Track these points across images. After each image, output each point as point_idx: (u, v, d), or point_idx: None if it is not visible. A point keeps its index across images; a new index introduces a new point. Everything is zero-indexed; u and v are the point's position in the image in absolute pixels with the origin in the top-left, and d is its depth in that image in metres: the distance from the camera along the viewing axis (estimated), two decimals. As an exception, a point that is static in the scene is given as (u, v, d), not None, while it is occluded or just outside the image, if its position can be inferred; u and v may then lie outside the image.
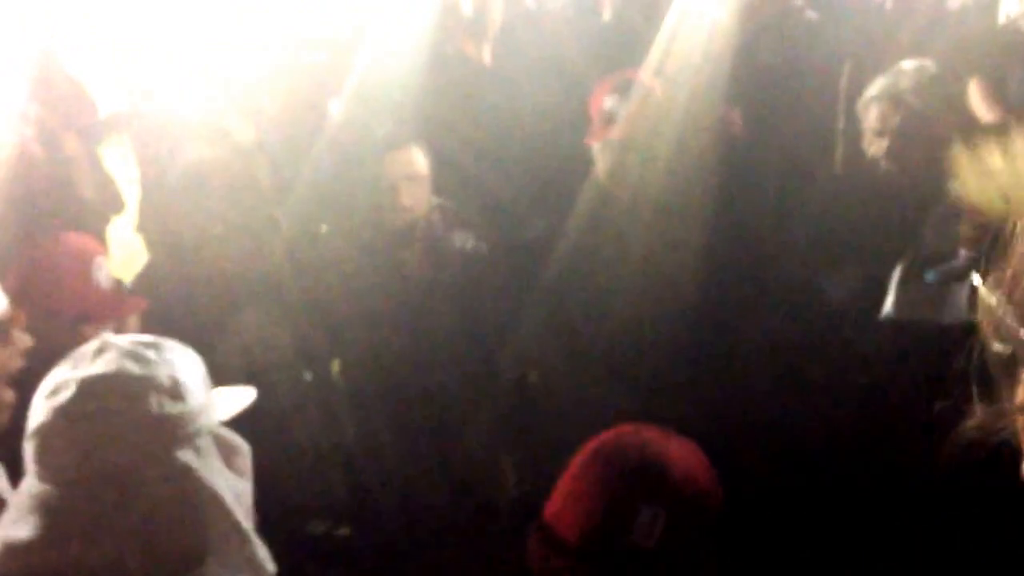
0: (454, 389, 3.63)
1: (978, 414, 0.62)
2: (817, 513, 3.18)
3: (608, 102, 3.77)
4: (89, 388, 1.43)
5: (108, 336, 1.54)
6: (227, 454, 1.53)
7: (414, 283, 3.64)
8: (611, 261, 3.64)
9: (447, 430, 3.64)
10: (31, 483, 1.43)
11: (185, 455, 1.44)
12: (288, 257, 3.51)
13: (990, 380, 0.63)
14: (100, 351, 1.50)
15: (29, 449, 1.45)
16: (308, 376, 3.51)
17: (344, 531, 3.80)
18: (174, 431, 1.45)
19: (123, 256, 4.56)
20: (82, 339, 2.61)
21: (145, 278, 3.40)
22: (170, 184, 3.81)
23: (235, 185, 3.42)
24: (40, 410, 1.45)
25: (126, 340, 1.53)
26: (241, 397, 1.65)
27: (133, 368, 1.46)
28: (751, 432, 3.50)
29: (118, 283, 2.87)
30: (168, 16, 4.84)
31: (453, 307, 3.61)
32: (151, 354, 1.50)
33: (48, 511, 1.40)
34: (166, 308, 2.91)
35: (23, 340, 2.13)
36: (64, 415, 1.42)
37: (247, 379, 1.82)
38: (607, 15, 4.88)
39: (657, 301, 3.58)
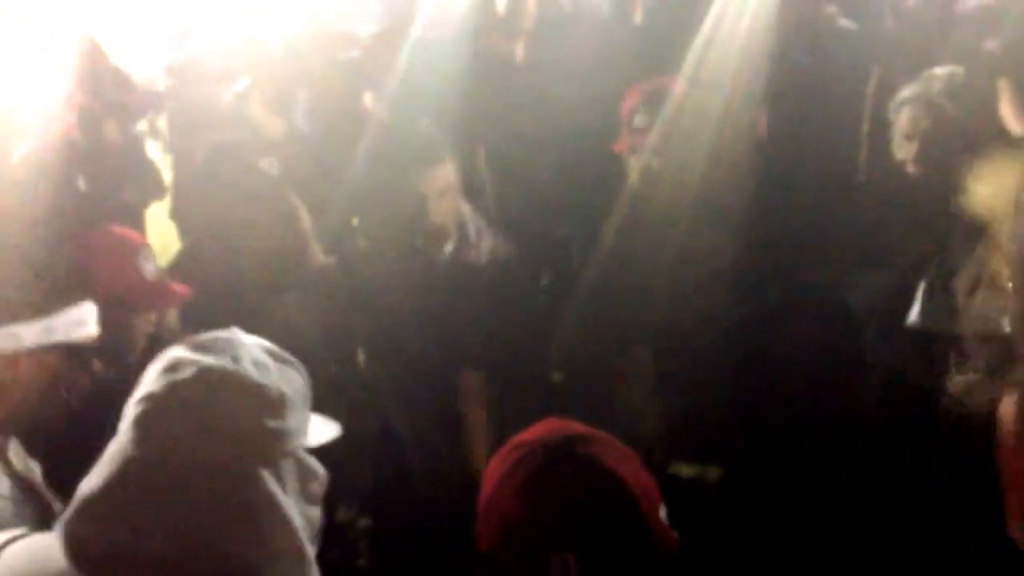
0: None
1: (959, 383, 0.67)
2: (836, 510, 3.21)
3: (638, 109, 3.81)
4: (206, 376, 1.46)
5: (238, 332, 1.57)
6: (305, 479, 1.54)
7: (442, 279, 3.67)
8: (642, 263, 3.67)
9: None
10: (122, 444, 1.46)
11: (267, 473, 1.46)
12: (313, 248, 3.54)
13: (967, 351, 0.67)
14: (227, 345, 1.52)
15: (131, 413, 1.47)
16: (334, 367, 3.54)
17: (366, 521, 3.84)
18: (266, 446, 1.47)
19: (160, 242, 4.63)
20: (132, 328, 2.71)
21: (178, 265, 3.46)
22: (196, 170, 3.89)
23: (250, 174, 3.47)
24: (153, 380, 1.48)
25: (253, 341, 1.56)
26: (330, 429, 1.67)
27: (251, 372, 1.49)
28: (777, 431, 3.53)
29: (163, 275, 2.93)
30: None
31: (479, 305, 3.64)
32: (270, 363, 1.53)
33: (127, 474, 1.42)
34: (198, 295, 2.97)
35: (96, 365, 2.22)
36: (176, 392, 1.45)
37: None
38: (638, 18, 4.91)
39: (687, 302, 3.61)
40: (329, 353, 3.51)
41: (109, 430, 1.52)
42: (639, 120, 3.78)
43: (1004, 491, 0.55)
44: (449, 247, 3.68)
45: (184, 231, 4.45)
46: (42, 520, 1.92)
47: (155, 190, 4.47)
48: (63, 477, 1.71)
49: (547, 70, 4.60)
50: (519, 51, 4.64)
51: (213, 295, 3.15)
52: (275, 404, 1.49)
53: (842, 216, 3.88)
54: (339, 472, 3.50)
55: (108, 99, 4.28)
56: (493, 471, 1.68)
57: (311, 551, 1.51)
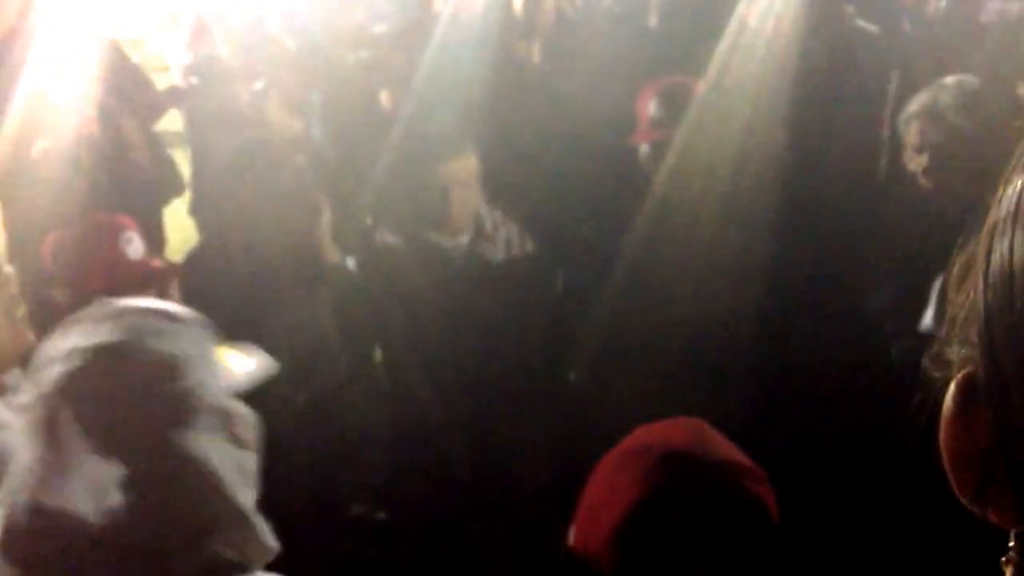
0: (494, 382, 3.66)
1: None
2: (855, 513, 3.20)
3: (655, 104, 3.80)
4: (93, 358, 1.43)
5: (119, 301, 1.54)
6: (229, 425, 1.51)
7: (459, 277, 3.67)
8: (663, 264, 3.66)
9: (485, 421, 3.67)
10: (34, 450, 1.42)
11: (184, 435, 1.43)
12: (334, 244, 3.56)
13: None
14: (106, 319, 1.48)
15: (31, 416, 1.43)
16: (350, 362, 3.54)
17: (381, 515, 3.84)
18: (174, 410, 1.44)
19: (180, 239, 4.65)
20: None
21: (195, 259, 3.48)
22: (215, 168, 3.91)
23: (278, 170, 3.48)
24: (48, 375, 1.44)
25: (135, 308, 1.52)
26: (253, 366, 1.63)
27: (134, 341, 1.45)
28: (796, 436, 3.52)
29: (149, 256, 2.95)
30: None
31: (496, 302, 3.64)
32: (155, 326, 1.49)
33: (39, 481, 1.39)
34: (213, 290, 2.98)
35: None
36: (69, 384, 1.41)
37: (290, 363, 1.80)
38: (652, 19, 4.91)
39: (705, 303, 3.61)
40: (345, 348, 3.52)
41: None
42: (655, 114, 3.78)
43: (947, 471, 0.59)
44: (465, 240, 3.69)
45: (203, 227, 4.47)
46: None
47: (173, 186, 4.49)
48: None
49: (563, 70, 4.61)
50: (535, 51, 4.66)
51: (228, 290, 3.17)
52: (168, 367, 1.45)
53: (862, 219, 3.87)
54: (353, 466, 3.51)
55: (127, 96, 4.31)
56: (616, 471, 1.55)
57: (249, 499, 1.49)
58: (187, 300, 3.03)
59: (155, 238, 4.02)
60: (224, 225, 3.58)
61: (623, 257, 3.73)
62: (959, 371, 0.63)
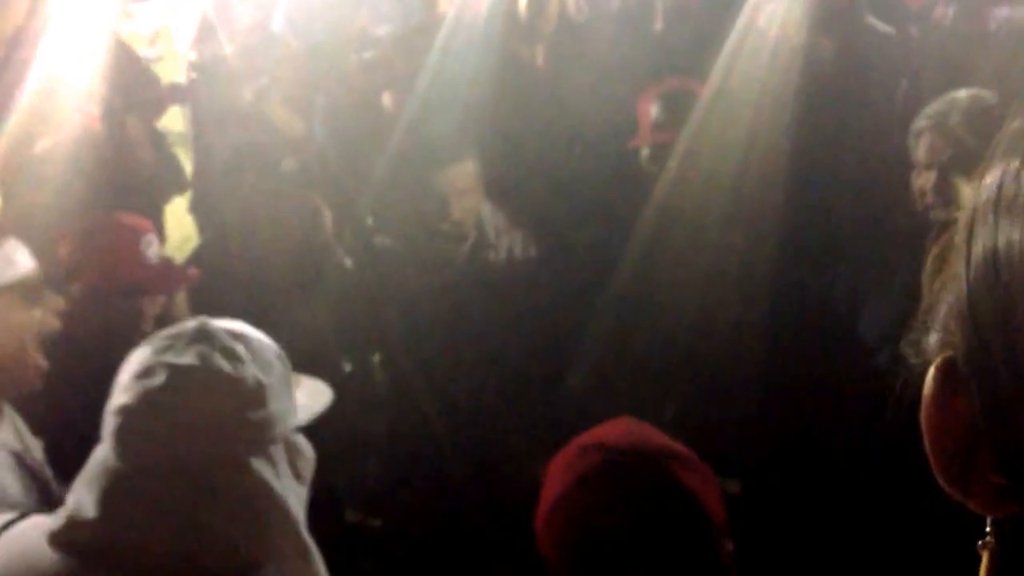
0: (492, 387, 3.66)
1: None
2: (855, 524, 3.20)
3: (656, 107, 3.80)
4: (178, 379, 1.44)
5: (206, 320, 1.53)
6: (293, 458, 1.53)
7: (460, 281, 3.67)
8: (661, 269, 3.66)
9: (483, 427, 3.68)
10: (106, 455, 1.45)
11: (258, 462, 1.45)
12: (334, 247, 3.56)
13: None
14: (195, 339, 1.48)
15: (109, 424, 1.45)
16: (348, 367, 3.55)
17: (376, 522, 3.84)
18: (251, 437, 1.46)
19: (179, 236, 4.66)
20: (139, 312, 2.73)
21: (195, 259, 3.49)
22: (217, 169, 3.92)
23: (279, 171, 3.49)
24: (127, 389, 1.46)
25: (222, 330, 1.51)
26: (318, 400, 1.65)
27: (223, 365, 1.46)
28: (796, 444, 3.51)
29: (168, 259, 2.96)
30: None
31: (497, 308, 3.64)
32: (242, 351, 1.49)
33: (115, 490, 1.42)
34: (212, 291, 2.99)
35: (56, 301, 2.15)
36: (150, 401, 1.43)
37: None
38: (659, 24, 4.91)
39: (706, 309, 3.60)
40: (344, 352, 3.52)
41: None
42: (656, 117, 3.78)
43: (928, 454, 0.62)
44: (466, 245, 3.69)
45: (204, 226, 4.48)
46: (42, 497, 1.92)
47: (176, 184, 4.50)
48: (67, 457, 1.69)
49: (567, 74, 4.61)
50: (539, 55, 4.66)
51: (230, 290, 3.18)
52: (253, 395, 1.47)
53: (868, 226, 3.86)
54: (348, 473, 3.51)
55: (130, 93, 4.31)
56: (560, 473, 1.60)
57: (310, 539, 1.50)
58: (188, 298, 3.05)
59: (157, 235, 4.03)
60: (224, 224, 3.59)
61: (624, 263, 3.73)
62: (937, 357, 0.65)
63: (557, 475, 1.60)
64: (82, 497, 1.43)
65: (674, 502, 1.53)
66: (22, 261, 2.06)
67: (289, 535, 1.47)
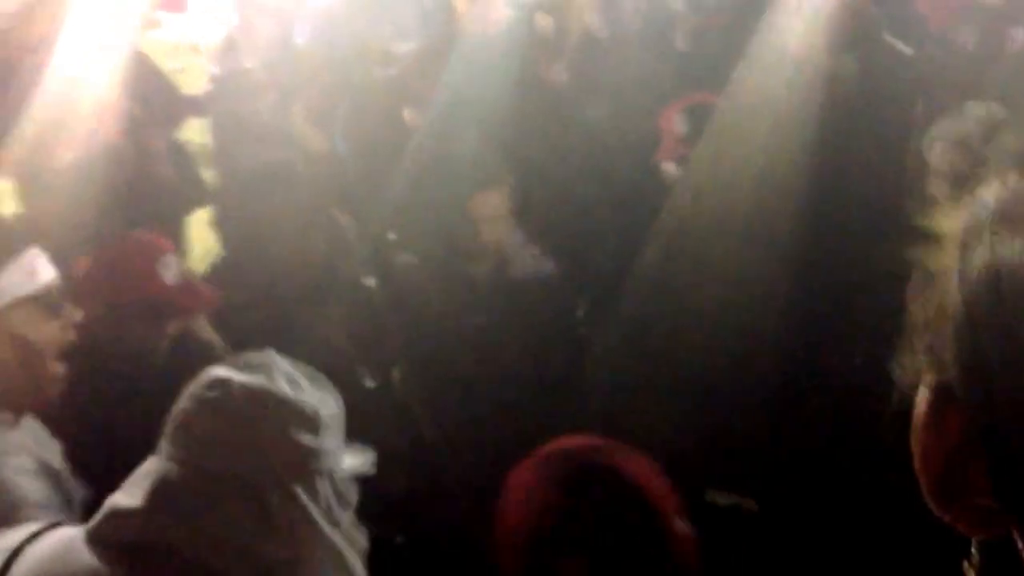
0: (514, 404, 3.66)
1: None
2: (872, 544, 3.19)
3: (679, 122, 3.81)
4: (241, 393, 1.50)
5: (272, 355, 1.59)
6: (337, 499, 1.57)
7: (482, 297, 3.68)
8: (680, 285, 3.66)
9: (505, 443, 3.67)
10: (159, 458, 1.50)
11: (304, 489, 1.49)
12: (356, 262, 3.58)
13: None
14: (262, 365, 1.55)
15: (168, 427, 1.51)
16: (369, 382, 3.56)
17: (400, 538, 3.84)
18: (302, 462, 1.50)
19: (201, 249, 4.67)
20: (155, 330, 2.75)
21: (216, 272, 3.50)
22: (239, 183, 3.92)
23: (301, 189, 3.50)
24: (192, 397, 1.52)
25: (286, 363, 1.59)
26: (364, 463, 1.70)
27: (286, 389, 1.52)
28: (812, 458, 3.50)
29: (189, 278, 2.97)
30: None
31: (519, 324, 3.65)
32: (304, 382, 1.56)
33: (163, 485, 1.46)
34: (234, 305, 3.01)
35: (74, 313, 2.17)
36: (209, 410, 1.49)
37: None
38: (681, 43, 4.92)
39: (725, 324, 3.60)
40: (363, 367, 3.53)
41: (131, 426, 1.54)
42: (679, 131, 3.79)
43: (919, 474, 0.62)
44: (489, 262, 3.69)
45: (225, 239, 4.49)
46: (65, 501, 1.94)
47: (197, 197, 4.52)
48: (86, 462, 1.75)
49: (587, 90, 4.62)
50: (560, 72, 4.67)
51: (250, 305, 3.19)
52: (310, 421, 1.51)
53: (885, 242, 3.85)
54: (371, 488, 3.50)
55: (151, 105, 4.34)
56: (515, 479, 1.76)
57: (356, 562, 1.55)
58: (210, 313, 3.05)
59: (177, 249, 4.04)
60: (246, 239, 3.60)
61: (644, 279, 3.73)
62: (922, 375, 0.65)
63: (510, 484, 1.81)
64: (127, 492, 1.48)
65: (613, 488, 1.67)
66: (43, 272, 2.08)
67: (326, 551, 1.51)
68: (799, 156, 3.99)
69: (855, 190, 4.15)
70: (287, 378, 1.54)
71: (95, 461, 1.58)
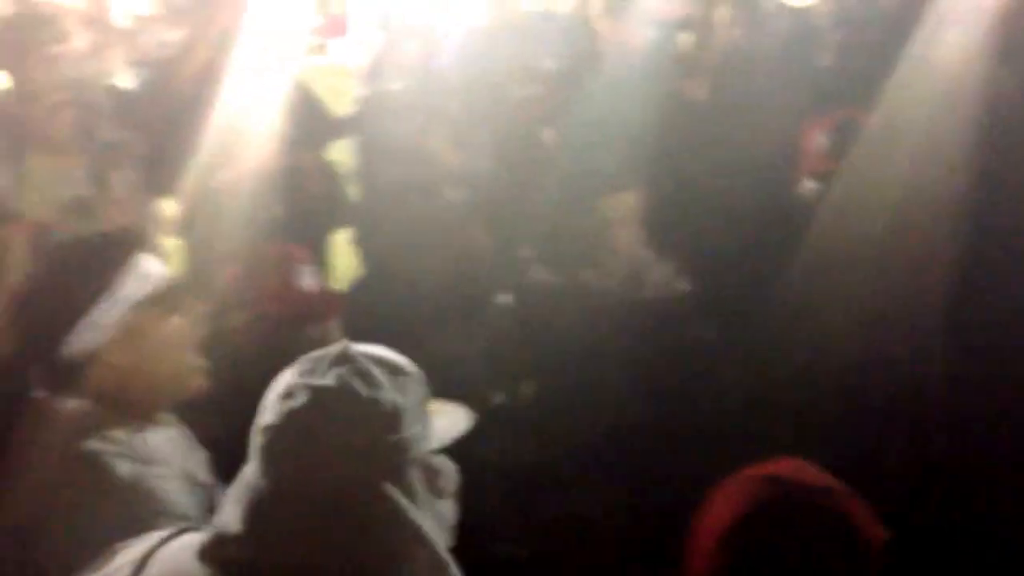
0: (645, 420, 3.68)
1: None
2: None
3: (822, 139, 3.77)
4: (319, 400, 1.49)
5: (348, 344, 1.57)
6: (431, 478, 1.56)
7: (615, 313, 3.71)
8: (818, 308, 3.62)
9: (634, 459, 3.69)
10: (252, 474, 1.51)
11: (393, 486, 1.48)
12: (491, 279, 3.64)
13: None
14: (336, 362, 1.53)
15: (255, 442, 1.52)
16: (498, 397, 3.61)
17: (522, 553, 3.89)
18: (387, 460, 1.49)
19: (344, 266, 4.83)
20: (301, 338, 2.88)
21: (356, 289, 3.62)
22: (381, 202, 4.05)
23: (441, 208, 3.60)
24: (272, 409, 1.52)
25: (362, 354, 1.55)
26: (456, 424, 1.68)
27: (361, 388, 1.50)
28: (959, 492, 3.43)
29: (323, 288, 3.12)
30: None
31: (652, 340, 3.65)
32: (380, 374, 1.53)
33: (259, 506, 1.47)
34: (372, 321, 3.12)
35: (198, 305, 2.24)
36: (291, 421, 1.49)
37: (440, 395, 1.85)
38: (824, 59, 4.87)
39: (864, 350, 3.55)
40: (493, 382, 3.58)
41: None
42: (821, 148, 3.76)
43: None
44: (618, 280, 3.72)
45: (366, 256, 4.64)
46: (208, 511, 2.00)
47: (342, 215, 4.68)
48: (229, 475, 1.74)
49: (729, 107, 4.61)
50: (701, 88, 4.68)
51: (388, 320, 3.30)
52: (389, 418, 1.50)
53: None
54: (498, 503, 3.57)
55: (304, 127, 4.50)
56: (730, 503, 1.67)
57: (448, 556, 1.53)
58: (348, 328, 3.19)
59: (323, 265, 4.20)
60: (386, 256, 3.72)
61: (779, 302, 3.71)
62: None
63: (726, 504, 1.68)
64: (229, 512, 1.50)
65: (841, 536, 1.61)
66: (155, 272, 2.15)
67: (423, 560, 1.50)
68: (951, 177, 3.89)
69: (1016, 214, 4.02)
70: (361, 375, 1.52)
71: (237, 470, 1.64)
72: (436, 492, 1.57)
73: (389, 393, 1.52)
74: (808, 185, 3.94)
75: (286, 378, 1.56)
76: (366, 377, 1.52)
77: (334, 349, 1.56)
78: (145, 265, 2.14)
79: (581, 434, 3.66)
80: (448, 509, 1.60)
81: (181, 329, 2.17)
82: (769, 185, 4.27)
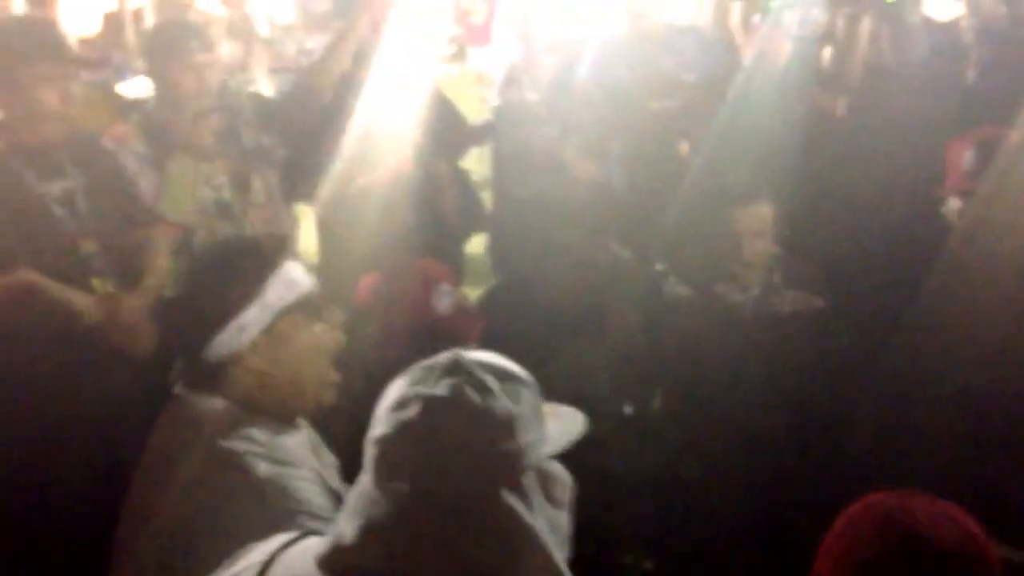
0: (774, 435, 3.63)
1: None
2: None
3: (969, 156, 3.67)
4: (429, 410, 1.48)
5: (459, 352, 1.56)
6: (547, 485, 1.54)
7: (746, 328, 3.67)
8: (956, 327, 3.52)
9: (762, 473, 3.65)
10: (366, 484, 1.51)
11: (509, 494, 1.47)
12: (625, 291, 3.63)
13: None
14: (448, 371, 1.52)
15: (369, 453, 1.51)
16: (628, 409, 3.60)
17: (649, 564, 3.87)
18: (502, 468, 1.48)
19: (472, 272, 4.86)
20: (429, 355, 2.90)
21: (489, 299, 3.64)
22: (516, 212, 4.06)
23: (575, 220, 3.59)
24: (383, 420, 1.51)
25: (474, 362, 1.54)
26: (571, 428, 1.63)
27: (474, 397, 1.48)
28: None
29: (463, 306, 3.12)
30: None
31: (782, 356, 3.61)
32: (493, 382, 1.51)
33: (374, 518, 1.47)
34: (503, 331, 3.13)
35: (336, 315, 2.25)
36: (406, 432, 1.48)
37: (571, 405, 1.83)
38: (971, 76, 4.73)
39: (1003, 375, 3.44)
40: (624, 394, 3.57)
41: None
42: (968, 166, 3.66)
43: None
44: (753, 294, 3.68)
45: (499, 267, 4.66)
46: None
47: (476, 223, 4.71)
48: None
49: (869, 123, 4.52)
50: (841, 104, 4.60)
51: (521, 332, 3.31)
52: (503, 427, 1.48)
53: None
54: (625, 513, 3.55)
55: (439, 135, 4.55)
56: (853, 529, 1.67)
57: (562, 557, 1.51)
58: (481, 337, 3.21)
59: (455, 274, 4.23)
60: (520, 267, 3.73)
61: (917, 322, 3.61)
62: None
63: (861, 536, 1.67)
64: (345, 522, 1.51)
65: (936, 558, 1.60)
66: (301, 280, 2.18)
67: (541, 567, 1.48)
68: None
69: None
70: (474, 383, 1.50)
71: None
72: (552, 500, 1.54)
73: (502, 401, 1.50)
74: (953, 204, 3.82)
75: (397, 388, 1.55)
76: (479, 386, 1.50)
77: (445, 358, 1.55)
78: (292, 272, 2.18)
79: (710, 447, 3.63)
80: (564, 518, 1.57)
81: (323, 337, 2.21)
82: (910, 202, 4.17)
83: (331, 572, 1.50)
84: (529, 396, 1.55)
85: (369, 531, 1.47)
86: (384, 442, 1.49)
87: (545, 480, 1.54)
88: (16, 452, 3.13)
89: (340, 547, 1.49)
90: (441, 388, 1.50)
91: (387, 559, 1.46)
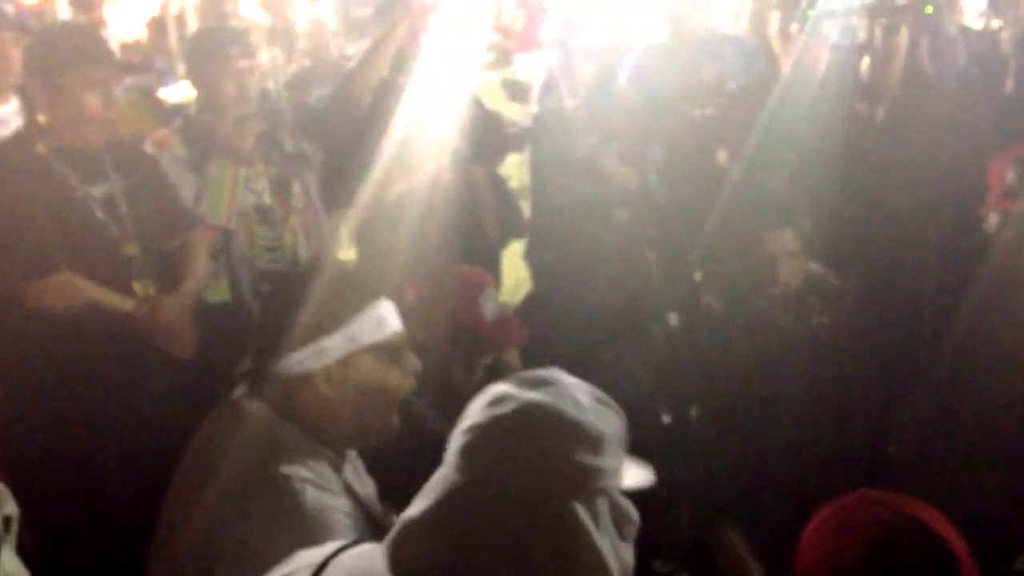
0: (809, 451, 3.62)
1: None
2: None
3: (1012, 173, 3.65)
4: (527, 410, 1.53)
5: (560, 373, 1.62)
6: (620, 522, 1.56)
7: (783, 344, 3.65)
8: (997, 344, 3.49)
9: (798, 489, 3.63)
10: (447, 470, 1.55)
11: (581, 507, 1.50)
12: (661, 301, 3.62)
13: None
14: (545, 382, 1.58)
15: (455, 442, 1.56)
16: (666, 418, 3.60)
17: (685, 575, 3.86)
18: (582, 481, 1.51)
19: (513, 280, 4.87)
20: (477, 364, 2.92)
21: (528, 305, 3.65)
22: (553, 219, 4.06)
23: (613, 227, 3.60)
24: (478, 412, 1.57)
25: (572, 381, 1.61)
26: (640, 477, 1.66)
27: (570, 409, 1.53)
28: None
29: (505, 313, 3.14)
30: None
31: (819, 374, 3.59)
32: (587, 401, 1.57)
33: (448, 498, 1.51)
34: (542, 337, 3.14)
35: (414, 363, 2.26)
36: (498, 424, 1.53)
37: None
38: (1010, 85, 4.70)
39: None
40: (662, 403, 3.57)
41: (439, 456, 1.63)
42: (1011, 182, 3.63)
43: None
44: (790, 308, 3.66)
45: (537, 272, 4.67)
46: (376, 536, 2.06)
47: (514, 229, 4.72)
48: (400, 497, 1.76)
49: (908, 133, 4.50)
50: (879, 113, 4.57)
51: (559, 337, 3.32)
52: (591, 441, 1.52)
53: None
54: (662, 524, 3.54)
55: (476, 141, 4.57)
56: (817, 523, 1.80)
57: None
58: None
59: (494, 279, 4.24)
60: (558, 273, 3.73)
61: (958, 334, 3.59)
62: None
63: (841, 534, 1.80)
64: (417, 504, 1.55)
65: (921, 549, 1.70)
66: (391, 322, 2.20)
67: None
68: None
69: None
70: (571, 397, 1.56)
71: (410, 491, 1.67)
72: (620, 532, 1.57)
73: (593, 417, 1.55)
74: (993, 220, 3.80)
75: (496, 389, 1.60)
76: (575, 401, 1.56)
77: (544, 372, 1.62)
78: (384, 310, 2.20)
79: (748, 460, 3.62)
80: (629, 552, 1.59)
81: (395, 381, 2.22)
82: (949, 211, 4.15)
83: (395, 546, 1.53)
84: (618, 424, 1.60)
85: (439, 510, 1.51)
86: (474, 430, 1.54)
87: (616, 510, 1.56)
88: (58, 453, 3.17)
89: (408, 524, 1.53)
90: (538, 394, 1.56)
91: (450, 542, 1.49)
